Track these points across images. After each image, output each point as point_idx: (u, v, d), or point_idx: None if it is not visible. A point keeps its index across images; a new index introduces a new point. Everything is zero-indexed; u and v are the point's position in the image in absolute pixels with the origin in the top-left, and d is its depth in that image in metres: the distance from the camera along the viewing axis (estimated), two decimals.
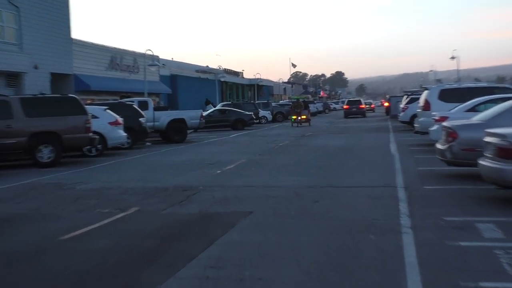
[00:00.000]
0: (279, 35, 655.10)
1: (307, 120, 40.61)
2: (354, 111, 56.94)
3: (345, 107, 59.10)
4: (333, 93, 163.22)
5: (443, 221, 7.65)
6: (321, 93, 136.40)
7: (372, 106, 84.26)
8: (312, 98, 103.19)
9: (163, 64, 51.31)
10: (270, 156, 18.12)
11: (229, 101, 59.72)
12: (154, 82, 44.29)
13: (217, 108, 42.10)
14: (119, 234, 7.72)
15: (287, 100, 74.85)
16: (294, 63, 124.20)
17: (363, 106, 58.79)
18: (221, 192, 10.82)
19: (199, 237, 7.31)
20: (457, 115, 14.56)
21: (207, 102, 52.11)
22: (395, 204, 8.98)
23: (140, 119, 24.05)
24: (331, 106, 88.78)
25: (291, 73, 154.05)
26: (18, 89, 28.87)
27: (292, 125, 39.98)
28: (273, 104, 55.85)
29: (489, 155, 8.83)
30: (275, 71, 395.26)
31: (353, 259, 6.06)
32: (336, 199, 9.62)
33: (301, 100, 48.65)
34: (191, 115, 27.91)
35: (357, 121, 46.73)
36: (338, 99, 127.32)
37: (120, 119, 21.46)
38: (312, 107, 56.17)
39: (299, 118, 39.87)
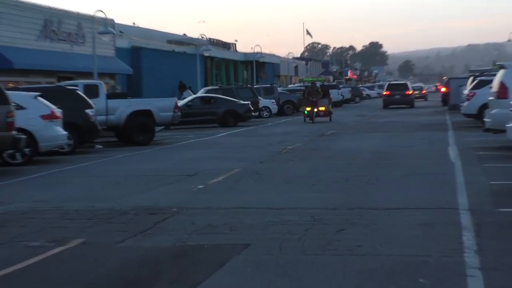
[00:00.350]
0: None
1: (326, 113, 40.58)
2: (397, 99, 57.11)
3: (384, 93, 59.35)
4: (366, 73, 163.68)
5: None
6: (349, 73, 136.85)
7: (423, 92, 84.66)
8: (335, 80, 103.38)
9: (121, 32, 51.33)
10: (275, 164, 18.15)
11: (217, 85, 59.81)
12: (108, 58, 44.32)
13: (198, 95, 42.13)
14: (56, 278, 7.68)
15: (300, 84, 75.05)
16: (309, 30, 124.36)
17: (410, 92, 59.00)
18: (205, 216, 10.82)
19: (173, 282, 7.29)
20: None
21: (183, 87, 52.06)
22: (456, 234, 8.97)
23: (87, 110, 24.05)
24: (363, 92, 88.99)
25: (306, 45, 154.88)
26: None
27: (304, 120, 39.99)
28: (279, 89, 55.95)
29: None
30: (283, 42, 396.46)
31: None
32: (371, 227, 9.63)
33: (318, 83, 48.71)
34: (160, 106, 27.92)
35: (401, 113, 46.79)
36: (374, 82, 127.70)
37: (58, 111, 21.44)
38: (334, 94, 56.29)
39: (315, 110, 39.84)
